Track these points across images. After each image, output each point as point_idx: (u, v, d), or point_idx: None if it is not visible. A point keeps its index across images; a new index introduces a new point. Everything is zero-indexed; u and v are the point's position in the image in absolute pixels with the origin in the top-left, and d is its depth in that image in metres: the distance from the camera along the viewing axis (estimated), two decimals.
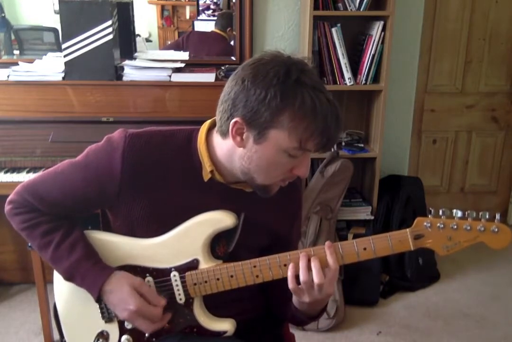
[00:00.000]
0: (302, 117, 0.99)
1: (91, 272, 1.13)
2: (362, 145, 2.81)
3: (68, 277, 1.16)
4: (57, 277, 1.25)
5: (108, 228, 1.24)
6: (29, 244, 1.79)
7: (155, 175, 1.12)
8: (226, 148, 1.09)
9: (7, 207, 1.20)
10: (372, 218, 2.77)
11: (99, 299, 1.14)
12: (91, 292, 1.14)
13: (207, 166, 1.12)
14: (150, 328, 1.13)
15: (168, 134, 1.16)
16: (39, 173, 1.20)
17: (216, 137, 1.12)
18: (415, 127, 3.26)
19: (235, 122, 1.02)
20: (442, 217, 1.06)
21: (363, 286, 2.63)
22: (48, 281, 2.01)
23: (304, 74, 1.00)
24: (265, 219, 1.20)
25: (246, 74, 1.01)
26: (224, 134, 1.07)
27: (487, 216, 1.04)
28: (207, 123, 1.15)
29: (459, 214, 1.05)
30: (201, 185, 1.14)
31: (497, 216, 1.04)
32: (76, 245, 1.15)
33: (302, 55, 1.07)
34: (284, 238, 1.27)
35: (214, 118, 1.15)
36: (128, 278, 1.13)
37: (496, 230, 1.04)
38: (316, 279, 1.05)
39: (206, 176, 1.13)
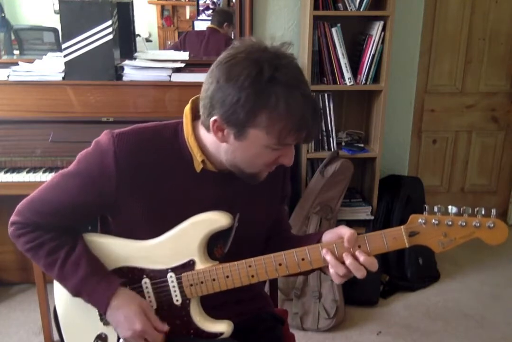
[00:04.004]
0: (278, 118, 1.00)
1: (97, 289, 1.13)
2: (362, 145, 2.81)
3: (75, 295, 1.17)
4: None
5: (107, 231, 1.24)
6: None
7: (149, 172, 1.13)
8: (212, 141, 1.11)
9: (10, 229, 1.20)
10: (372, 218, 2.77)
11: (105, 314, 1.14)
12: (99, 307, 1.15)
13: (198, 156, 1.13)
14: None
15: (154, 130, 1.17)
16: (35, 190, 1.18)
17: (202, 129, 1.13)
18: (415, 127, 3.26)
19: (214, 120, 1.04)
20: (437, 214, 1.04)
21: (363, 286, 2.62)
22: (48, 281, 2.01)
23: (278, 70, 0.99)
24: (260, 197, 1.23)
25: (220, 75, 1.02)
26: (207, 128, 1.09)
27: (483, 212, 1.02)
28: (188, 115, 1.15)
29: (454, 210, 1.03)
30: (195, 176, 1.15)
31: (493, 212, 1.02)
32: (80, 263, 1.15)
33: (281, 41, 1.08)
34: (278, 207, 1.34)
35: (191, 106, 1.16)
36: (136, 298, 1.14)
37: (492, 225, 1.01)
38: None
39: (198, 167, 1.14)
